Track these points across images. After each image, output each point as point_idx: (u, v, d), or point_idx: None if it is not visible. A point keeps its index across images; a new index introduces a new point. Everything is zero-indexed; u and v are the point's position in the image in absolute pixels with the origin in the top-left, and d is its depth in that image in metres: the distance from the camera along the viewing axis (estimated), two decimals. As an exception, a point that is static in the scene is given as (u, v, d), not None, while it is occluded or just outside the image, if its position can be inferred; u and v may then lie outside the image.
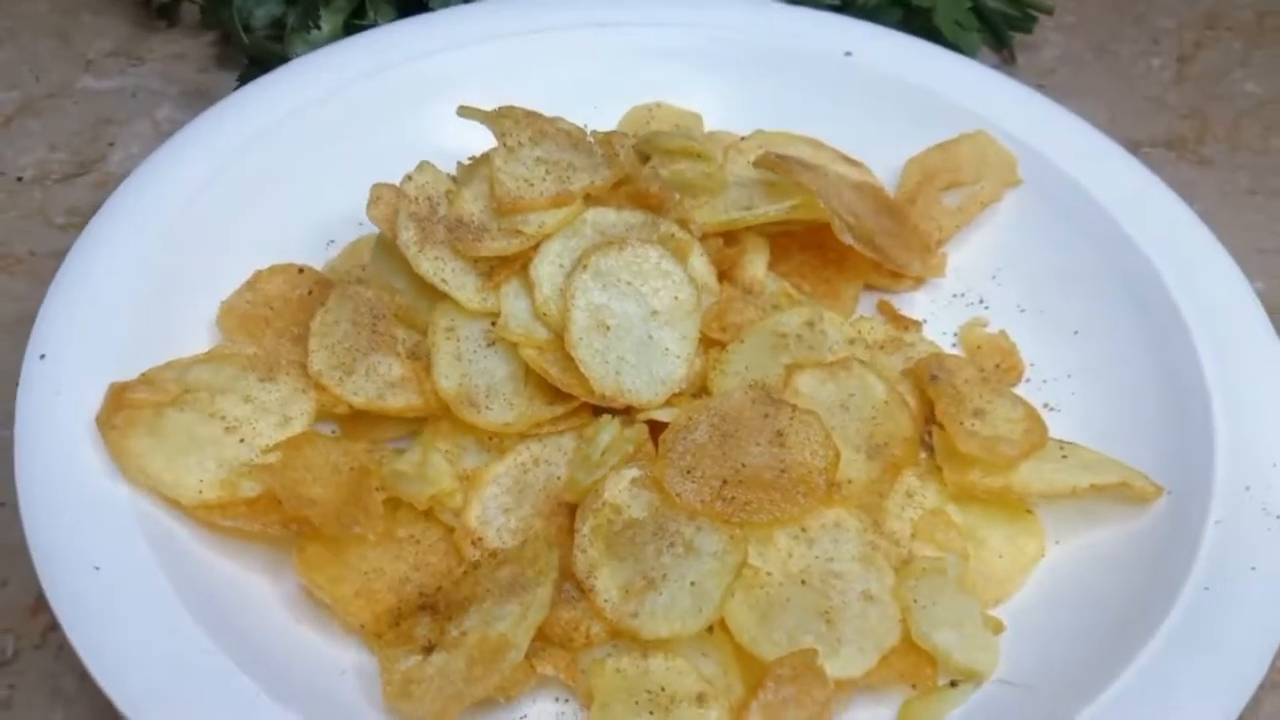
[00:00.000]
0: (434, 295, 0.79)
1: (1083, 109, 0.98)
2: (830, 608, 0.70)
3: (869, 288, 0.90)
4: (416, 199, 0.80)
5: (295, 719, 0.62)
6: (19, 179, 1.01)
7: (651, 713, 0.67)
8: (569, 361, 0.76)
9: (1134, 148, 1.07)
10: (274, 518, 0.71)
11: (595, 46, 0.99)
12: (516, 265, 0.79)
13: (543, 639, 0.69)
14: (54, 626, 0.73)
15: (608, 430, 0.75)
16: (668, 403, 0.77)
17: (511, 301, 0.78)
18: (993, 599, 0.74)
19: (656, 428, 0.75)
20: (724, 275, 0.84)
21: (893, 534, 0.75)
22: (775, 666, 0.67)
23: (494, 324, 0.78)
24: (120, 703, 0.61)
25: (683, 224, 0.83)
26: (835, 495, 0.74)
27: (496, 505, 0.74)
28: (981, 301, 0.90)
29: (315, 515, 0.69)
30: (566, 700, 0.70)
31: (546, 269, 0.78)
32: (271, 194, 0.88)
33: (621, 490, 0.72)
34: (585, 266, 0.78)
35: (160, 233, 0.82)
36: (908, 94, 0.97)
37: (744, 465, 0.72)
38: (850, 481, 0.75)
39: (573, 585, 0.71)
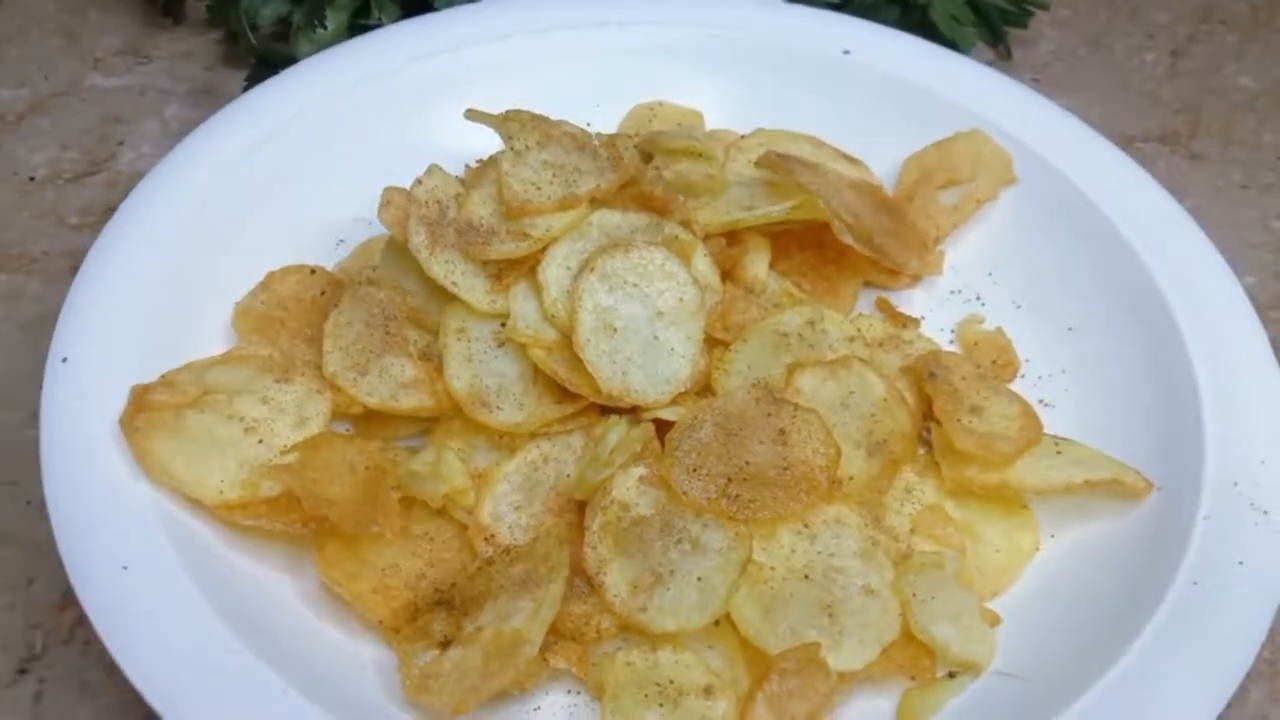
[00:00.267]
0: (444, 297, 0.81)
1: (1077, 103, 0.98)
2: (832, 602, 0.71)
3: (868, 285, 0.91)
4: (426, 203, 0.82)
5: (323, 714, 0.64)
6: (31, 179, 1.02)
7: (661, 704, 0.68)
8: (577, 362, 0.77)
9: (1128, 142, 1.07)
10: (294, 517, 0.72)
11: (598, 45, 0.99)
12: (525, 268, 0.80)
13: (555, 633, 0.70)
14: (81, 622, 0.75)
15: (615, 429, 0.76)
16: (673, 402, 0.78)
17: (520, 303, 0.80)
18: (989, 592, 0.75)
19: (663, 427, 0.76)
20: (726, 275, 0.85)
21: (892, 529, 0.76)
22: (779, 659, 0.68)
23: (504, 325, 0.80)
24: (153, 699, 0.63)
25: (686, 225, 0.84)
26: (836, 492, 0.75)
27: (508, 503, 0.76)
28: (978, 298, 0.91)
29: (333, 514, 0.71)
30: (578, 692, 0.71)
31: (554, 272, 0.80)
32: (280, 195, 0.89)
33: (629, 488, 0.74)
34: (592, 269, 0.79)
35: (174, 236, 0.83)
36: (906, 92, 0.97)
37: (748, 463, 0.74)
38: (851, 478, 0.76)
39: (583, 580, 0.72)
